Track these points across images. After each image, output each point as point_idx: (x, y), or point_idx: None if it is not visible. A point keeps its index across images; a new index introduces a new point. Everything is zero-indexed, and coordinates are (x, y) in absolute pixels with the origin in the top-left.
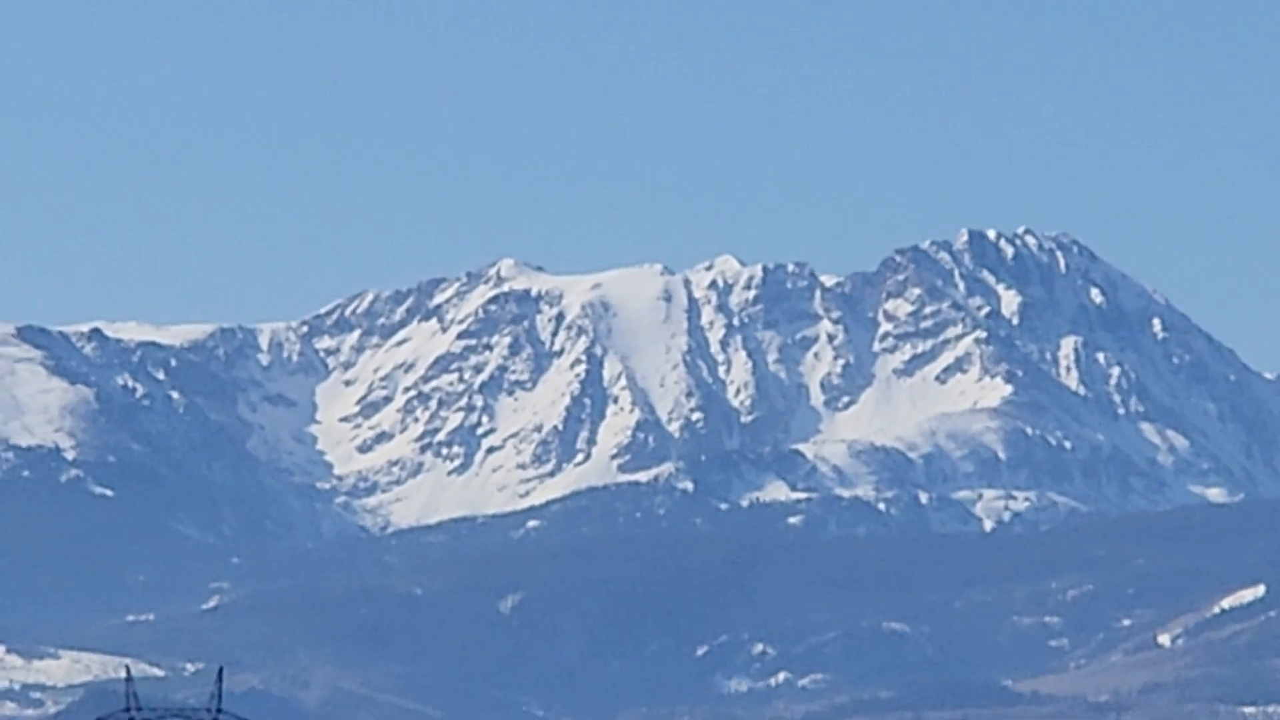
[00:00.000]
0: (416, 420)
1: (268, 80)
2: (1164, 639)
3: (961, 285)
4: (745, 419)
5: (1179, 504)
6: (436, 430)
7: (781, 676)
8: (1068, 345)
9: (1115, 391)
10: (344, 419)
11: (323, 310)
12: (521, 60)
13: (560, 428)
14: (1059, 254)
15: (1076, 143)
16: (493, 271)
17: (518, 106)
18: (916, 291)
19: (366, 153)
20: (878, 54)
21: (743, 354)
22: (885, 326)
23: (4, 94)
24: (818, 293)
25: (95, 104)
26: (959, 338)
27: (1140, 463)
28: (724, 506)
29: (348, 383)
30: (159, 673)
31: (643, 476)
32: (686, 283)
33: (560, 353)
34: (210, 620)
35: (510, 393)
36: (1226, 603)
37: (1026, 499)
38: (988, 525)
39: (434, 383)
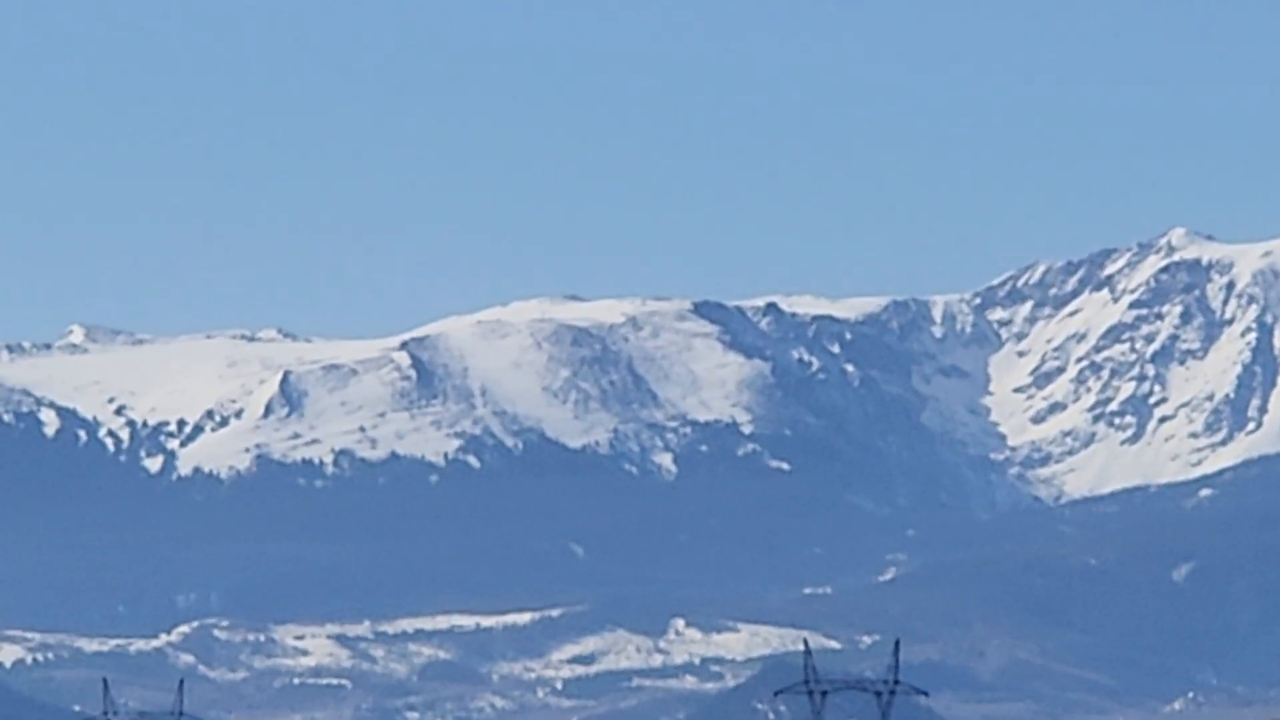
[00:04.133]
0: (1089, 390)
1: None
2: None
3: None
4: None
5: None
6: (1109, 400)
7: None
8: None
9: None
10: (1017, 390)
11: (995, 282)
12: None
13: (1231, 396)
14: None
15: None
16: (1163, 241)
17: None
18: None
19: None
20: None
21: None
22: None
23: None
24: None
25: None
26: None
27: None
28: None
29: (1020, 354)
30: (835, 645)
31: None
32: None
33: (1231, 321)
34: (886, 592)
35: (1181, 362)
36: None
37: None
38: None
39: (1106, 353)
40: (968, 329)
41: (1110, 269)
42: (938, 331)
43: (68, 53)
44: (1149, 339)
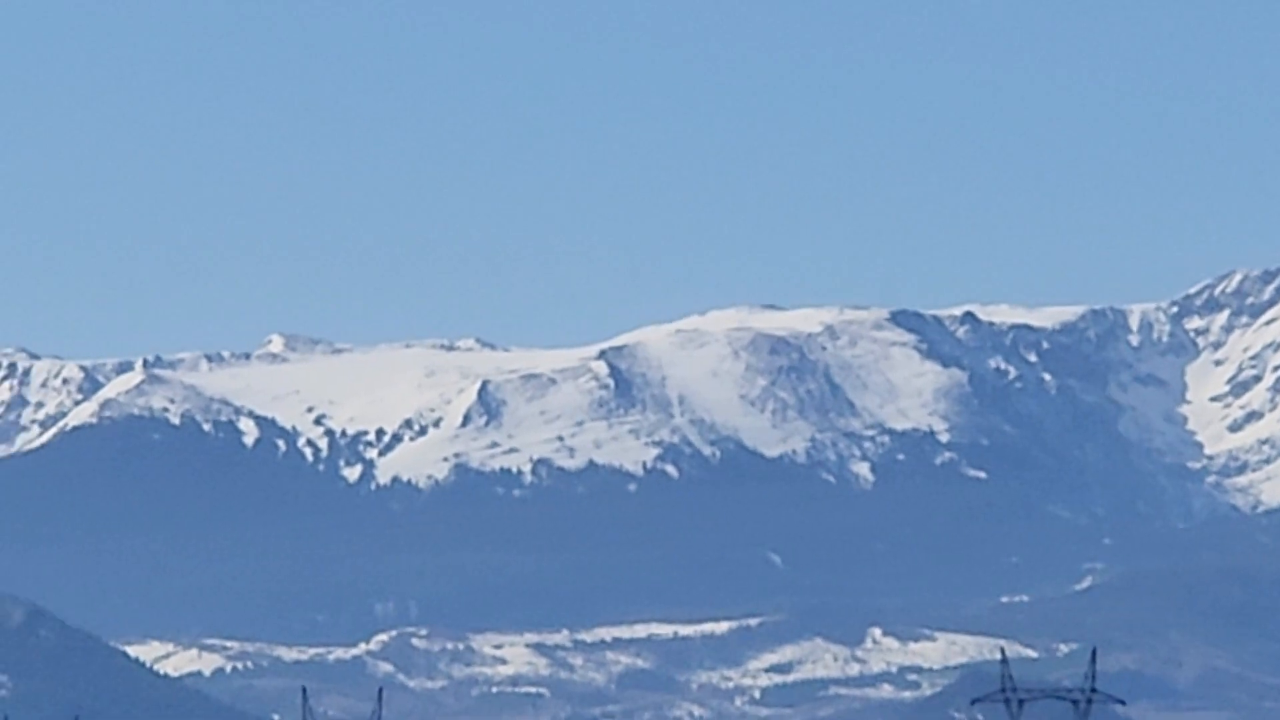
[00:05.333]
0: None
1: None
2: None
3: None
4: None
5: None
6: None
7: None
8: None
9: None
10: (1214, 398)
11: (1192, 290)
12: None
13: None
14: None
15: None
16: None
17: None
18: None
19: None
20: None
21: None
22: None
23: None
24: None
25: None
26: None
27: None
28: None
29: (1217, 362)
30: (1032, 654)
31: None
32: None
33: None
34: (1083, 601)
35: None
36: None
37: None
38: None
39: None
40: (1164, 337)
41: None
42: (1134, 340)
43: (268, 75)
44: None
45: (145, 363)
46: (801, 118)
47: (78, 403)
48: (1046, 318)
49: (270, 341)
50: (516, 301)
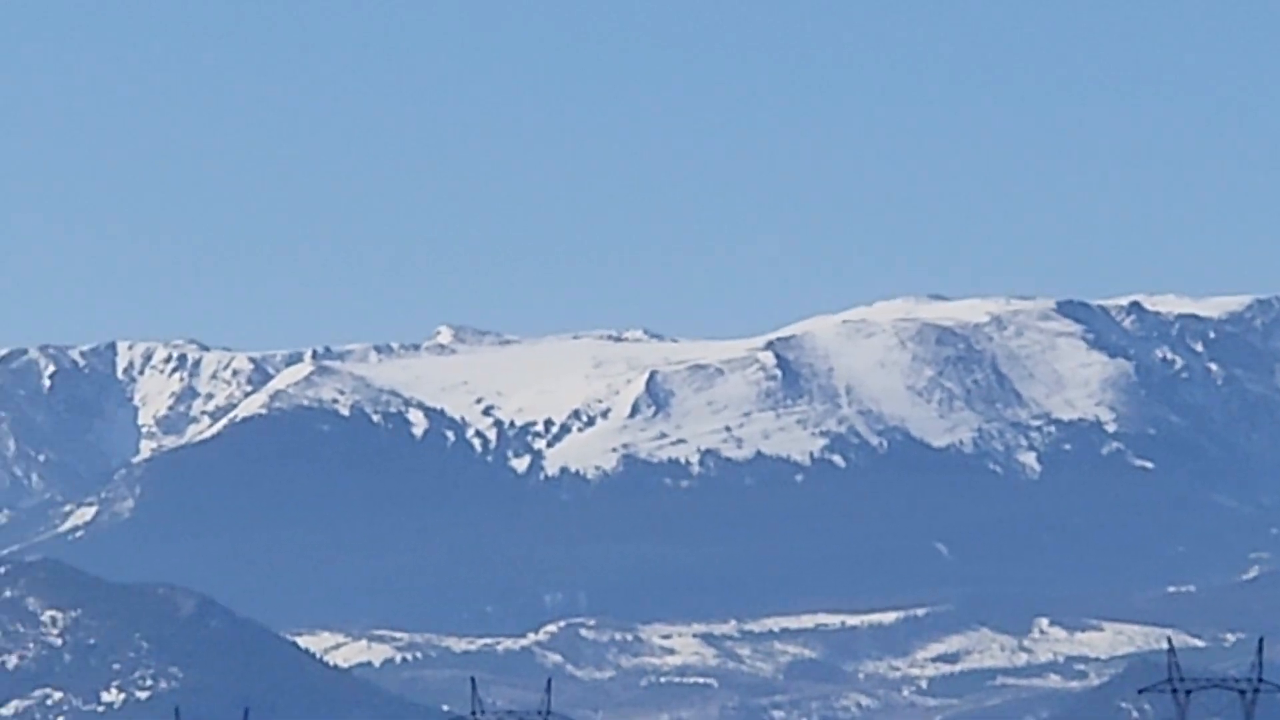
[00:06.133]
0: None
1: None
2: None
3: None
4: None
5: None
6: None
7: None
8: None
9: None
10: None
11: None
12: None
13: None
14: None
15: None
16: None
17: None
18: None
19: None
20: None
21: None
22: None
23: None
24: None
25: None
26: None
27: None
28: None
29: None
30: (1199, 643)
31: None
32: None
33: None
34: (1250, 590)
35: None
36: None
37: None
38: None
39: None
40: None
41: None
42: None
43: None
44: None
45: (314, 354)
46: (967, 108)
47: (248, 394)
48: (1213, 307)
49: (439, 333)
50: (684, 292)
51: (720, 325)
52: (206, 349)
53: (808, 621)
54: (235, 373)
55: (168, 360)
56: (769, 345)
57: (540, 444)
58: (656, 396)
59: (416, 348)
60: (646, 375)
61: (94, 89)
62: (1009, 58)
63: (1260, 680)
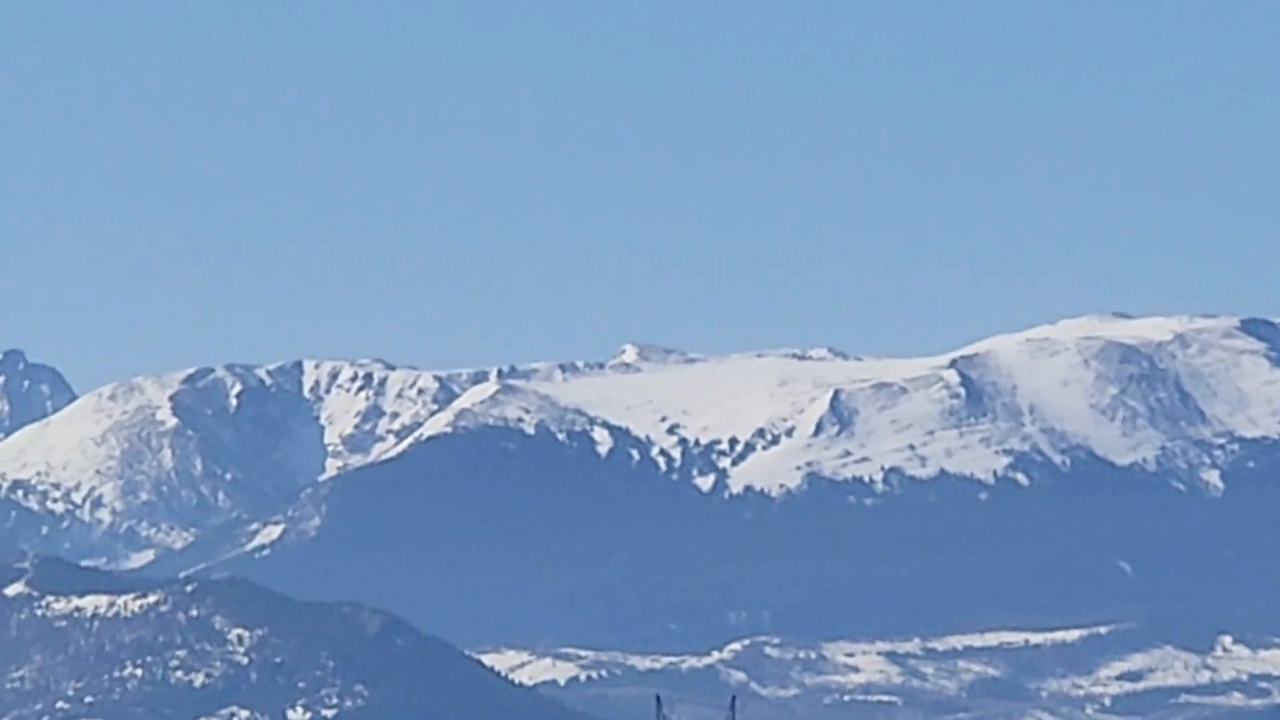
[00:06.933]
0: None
1: None
2: None
3: None
4: None
5: None
6: None
7: None
8: None
9: None
10: None
11: None
12: None
13: None
14: None
15: None
16: None
17: None
18: None
19: None
20: None
21: None
22: None
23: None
24: None
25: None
26: None
27: None
28: None
29: None
30: None
31: None
32: None
33: None
34: None
35: None
36: None
37: None
38: None
39: None
40: None
41: None
42: None
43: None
44: None
45: (500, 373)
46: (1153, 128)
47: (433, 413)
48: None
49: (624, 351)
50: (868, 311)
51: (904, 344)
52: (392, 368)
53: (991, 639)
54: (420, 391)
55: (354, 379)
56: (953, 364)
57: (725, 462)
58: (840, 415)
59: (601, 366)
60: (830, 394)
61: (294, 113)
62: (1193, 73)
63: None
